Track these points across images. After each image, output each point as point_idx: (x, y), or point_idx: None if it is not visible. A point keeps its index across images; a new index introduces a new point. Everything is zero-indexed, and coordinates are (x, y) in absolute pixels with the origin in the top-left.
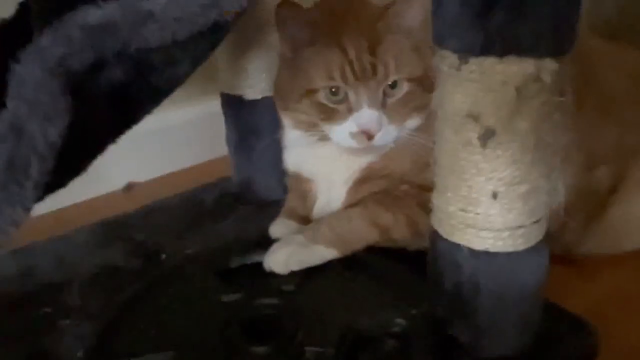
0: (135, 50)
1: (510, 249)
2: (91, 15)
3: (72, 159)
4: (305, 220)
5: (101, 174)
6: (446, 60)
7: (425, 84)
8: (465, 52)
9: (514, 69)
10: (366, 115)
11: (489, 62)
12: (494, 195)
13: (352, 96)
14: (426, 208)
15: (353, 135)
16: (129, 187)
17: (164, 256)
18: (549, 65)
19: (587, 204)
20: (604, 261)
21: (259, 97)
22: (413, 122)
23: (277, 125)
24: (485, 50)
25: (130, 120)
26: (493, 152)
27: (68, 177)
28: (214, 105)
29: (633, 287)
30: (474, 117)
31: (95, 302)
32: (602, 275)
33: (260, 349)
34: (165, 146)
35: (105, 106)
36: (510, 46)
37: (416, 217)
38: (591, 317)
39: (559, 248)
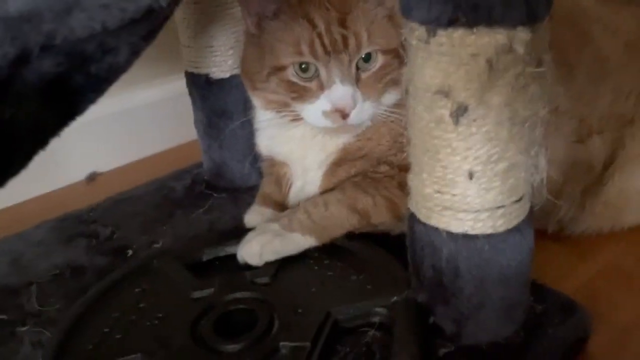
0: (63, 41)
1: (490, 231)
2: (11, 4)
3: (3, 159)
4: (281, 206)
5: (61, 164)
6: (414, 33)
7: (401, 55)
8: (433, 24)
9: (485, 40)
10: (339, 92)
11: (459, 34)
12: (470, 175)
13: (323, 72)
14: (407, 190)
15: (326, 114)
16: (92, 178)
17: (130, 252)
18: (522, 35)
19: (582, 179)
20: (600, 238)
21: (226, 75)
22: (390, 97)
23: (248, 106)
24: (454, 20)
25: (73, 112)
26: (467, 129)
27: (3, 177)
28: (181, 86)
29: (627, 264)
30: (445, 93)
31: (55, 306)
32: (596, 253)
33: (233, 347)
34: (130, 132)
35: (39, 100)
36: (480, 16)
37: (396, 199)
38: (583, 296)
39: (553, 226)
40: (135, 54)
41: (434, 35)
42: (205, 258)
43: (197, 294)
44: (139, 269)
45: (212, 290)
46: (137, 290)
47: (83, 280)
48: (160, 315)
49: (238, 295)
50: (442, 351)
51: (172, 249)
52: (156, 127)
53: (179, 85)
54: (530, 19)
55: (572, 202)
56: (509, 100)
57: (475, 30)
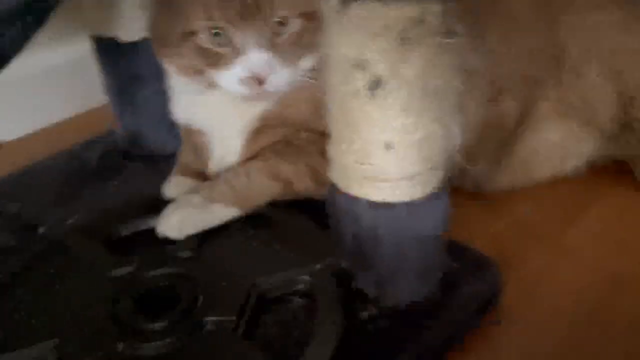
0: None
1: (407, 198)
2: None
3: None
4: (201, 176)
5: None
6: (328, 3)
7: (318, 18)
8: None
9: (397, 12)
10: (255, 58)
11: (371, 6)
12: (387, 146)
13: (237, 37)
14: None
15: (242, 80)
16: None
17: (42, 229)
18: (434, 7)
19: (495, 138)
20: (512, 194)
21: (136, 38)
22: (308, 62)
23: (161, 70)
24: None
25: None
26: (383, 101)
27: None
28: (88, 47)
29: (535, 218)
30: (360, 66)
31: None
32: (508, 209)
33: (156, 325)
34: (35, 98)
35: None
36: None
37: (319, 166)
38: (495, 251)
39: (469, 184)
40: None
41: (348, 6)
42: (123, 233)
43: (115, 272)
44: (51, 248)
45: (131, 267)
46: (50, 270)
47: None
48: (77, 296)
49: (159, 271)
50: (365, 314)
51: (86, 224)
52: (62, 92)
53: (85, 46)
54: None
55: (487, 160)
56: (422, 71)
57: (387, 2)
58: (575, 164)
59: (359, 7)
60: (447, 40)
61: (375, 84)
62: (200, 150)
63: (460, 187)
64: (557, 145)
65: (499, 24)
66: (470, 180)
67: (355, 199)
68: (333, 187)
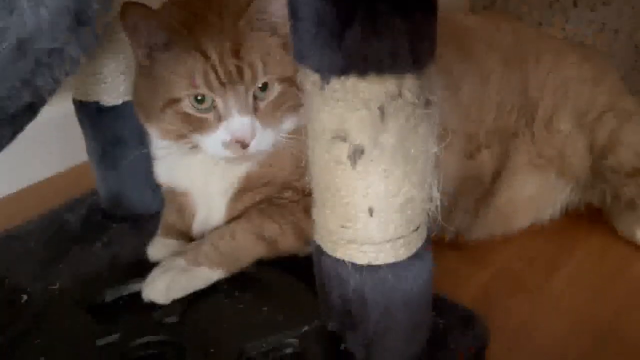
0: None
1: (392, 260)
2: None
3: None
4: (185, 236)
5: None
6: (309, 78)
7: (298, 83)
8: (326, 72)
9: (376, 87)
10: (237, 123)
11: (351, 82)
12: (370, 211)
13: (220, 103)
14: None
15: (226, 144)
16: None
17: (25, 297)
18: (410, 81)
19: (474, 191)
20: (493, 243)
21: (119, 102)
22: (289, 123)
23: (144, 132)
24: (345, 70)
25: None
26: (364, 169)
27: None
28: (69, 106)
29: (517, 266)
30: (342, 137)
31: None
32: (490, 257)
33: None
34: (15, 156)
35: None
36: (370, 65)
37: (303, 224)
38: (480, 302)
39: (450, 234)
40: (15, 134)
41: (328, 82)
42: (108, 299)
43: (101, 342)
44: (36, 319)
45: (117, 335)
46: (36, 342)
47: None
48: None
49: (146, 339)
50: None
51: (71, 291)
52: (43, 150)
53: (66, 106)
54: (417, 66)
55: (466, 212)
56: (401, 140)
57: (366, 78)
58: (552, 212)
59: (339, 82)
60: (424, 111)
61: (357, 154)
62: (184, 211)
63: (440, 238)
64: (533, 195)
65: (472, 81)
66: (451, 231)
67: (340, 262)
68: (318, 250)
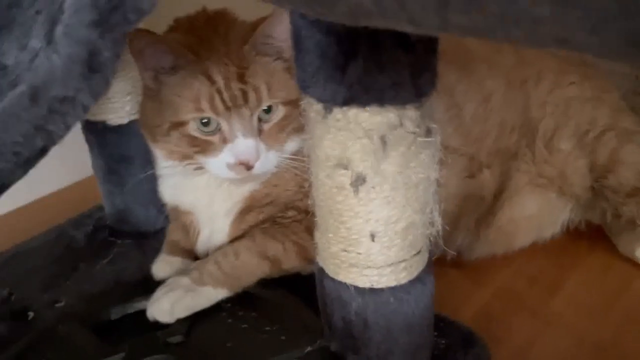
0: None
1: (394, 284)
2: None
3: None
4: (190, 254)
5: None
6: (312, 107)
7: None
8: (329, 102)
9: (377, 118)
10: (242, 146)
11: (353, 112)
12: (372, 236)
13: (225, 126)
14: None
15: (230, 166)
16: None
17: (31, 314)
18: (411, 112)
19: (475, 210)
20: (494, 261)
21: (125, 121)
22: (292, 144)
23: (149, 151)
24: (348, 101)
25: None
26: (366, 195)
27: None
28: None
29: (518, 285)
30: (344, 165)
31: None
32: (491, 276)
33: None
34: None
35: None
36: (372, 97)
37: (306, 243)
38: (481, 321)
39: (451, 253)
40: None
41: (330, 112)
42: (113, 317)
43: None
44: (43, 337)
45: (122, 355)
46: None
47: None
48: None
49: (150, 359)
50: None
51: (76, 309)
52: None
53: None
54: (418, 97)
55: (468, 231)
56: (402, 168)
57: (368, 109)
58: (553, 230)
59: (341, 112)
60: (425, 139)
61: (359, 181)
62: (188, 230)
63: (442, 257)
64: (534, 214)
65: (473, 101)
66: (452, 249)
67: (343, 285)
68: (321, 272)
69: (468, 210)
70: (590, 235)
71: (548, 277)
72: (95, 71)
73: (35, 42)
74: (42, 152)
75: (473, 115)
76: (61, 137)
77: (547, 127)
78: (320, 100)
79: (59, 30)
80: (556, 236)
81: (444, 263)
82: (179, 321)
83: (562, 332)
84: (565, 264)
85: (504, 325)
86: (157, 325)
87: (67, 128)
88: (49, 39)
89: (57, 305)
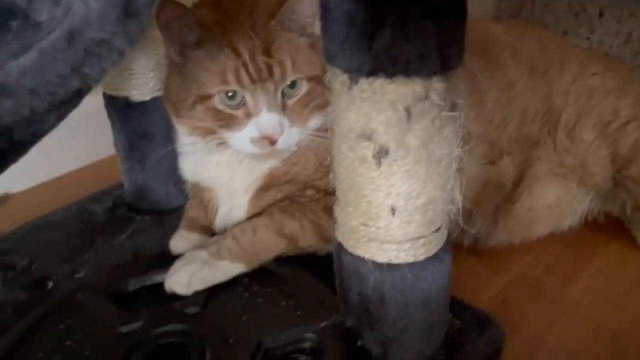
0: None
1: (412, 260)
2: None
3: None
4: (208, 230)
5: None
6: (338, 78)
7: (325, 82)
8: (355, 73)
9: (403, 89)
10: (266, 120)
11: (379, 83)
12: (393, 210)
13: (249, 100)
14: (332, 212)
15: (254, 141)
16: (4, 200)
17: (51, 284)
18: (437, 84)
19: (494, 197)
20: (511, 249)
21: (147, 98)
22: (315, 121)
23: (170, 128)
24: (374, 71)
25: None
26: (388, 168)
27: None
28: (97, 100)
29: (535, 274)
30: (367, 136)
31: None
32: (508, 264)
33: None
34: (44, 148)
35: None
36: (398, 67)
37: (323, 222)
38: (497, 307)
39: (469, 240)
40: (60, 120)
41: (356, 82)
42: (131, 288)
43: (124, 329)
44: (61, 305)
45: (140, 323)
46: (61, 327)
47: (2, 317)
48: (87, 353)
49: (168, 328)
50: None
51: (95, 279)
52: (72, 143)
53: (94, 99)
54: (444, 70)
55: (486, 218)
56: (426, 142)
57: (394, 80)
58: (572, 221)
59: (367, 83)
60: (449, 114)
61: (382, 153)
62: (207, 206)
63: (460, 243)
64: (554, 204)
65: (497, 88)
66: (469, 236)
67: (361, 260)
68: (339, 247)
69: (487, 197)
70: (609, 227)
71: (565, 266)
72: (130, 16)
73: None
74: (77, 94)
75: (495, 101)
76: (97, 80)
77: (569, 116)
78: (346, 70)
79: None
80: (574, 227)
81: (461, 249)
82: (196, 293)
83: (578, 320)
84: (583, 255)
85: (520, 312)
86: (175, 298)
87: (103, 72)
88: None
89: (77, 276)
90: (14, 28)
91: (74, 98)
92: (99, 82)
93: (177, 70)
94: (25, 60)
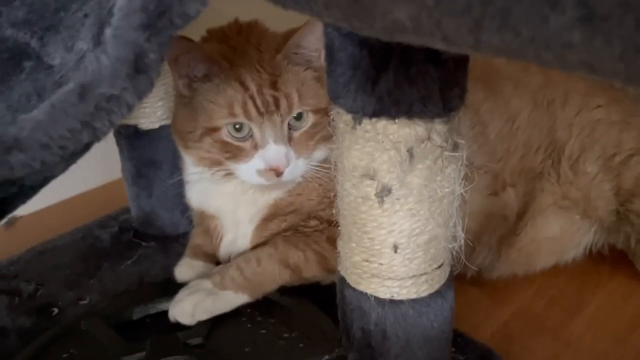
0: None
1: (414, 296)
2: None
3: None
4: (212, 258)
5: None
6: (342, 117)
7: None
8: (359, 113)
9: (406, 130)
10: (273, 152)
11: (382, 124)
12: (395, 248)
13: (256, 132)
14: (336, 243)
15: (261, 172)
16: (10, 223)
17: (56, 310)
18: (439, 126)
19: (497, 229)
20: (514, 281)
21: (156, 126)
22: (320, 153)
23: (177, 156)
24: (377, 112)
25: (2, 213)
26: (391, 207)
27: None
28: None
29: (537, 307)
30: (370, 176)
31: None
32: (511, 296)
33: None
34: None
35: None
36: (401, 109)
37: (327, 253)
38: (499, 340)
39: (472, 271)
40: (70, 166)
41: (360, 123)
42: (135, 317)
43: (127, 359)
44: (66, 332)
45: (143, 354)
46: (64, 355)
47: (6, 344)
48: None
49: (170, 359)
50: None
51: (100, 307)
52: (78, 166)
53: None
54: (446, 111)
55: (489, 250)
56: (428, 181)
57: (397, 121)
58: (576, 253)
59: (370, 123)
60: (451, 154)
61: (384, 192)
62: (212, 234)
63: (462, 275)
64: (557, 236)
65: (499, 120)
66: (472, 268)
67: (363, 295)
68: (342, 281)
69: (490, 229)
70: (613, 260)
71: (569, 299)
72: (140, 72)
73: (83, 44)
74: (87, 147)
75: (498, 133)
76: (105, 133)
77: (573, 148)
78: (350, 111)
79: (108, 32)
80: (578, 259)
81: (464, 281)
82: (200, 323)
83: (581, 354)
84: (587, 287)
85: (523, 346)
86: (178, 327)
87: (111, 125)
88: (97, 41)
89: (82, 302)
90: (27, 69)
91: (83, 150)
92: (106, 135)
93: (185, 103)
94: (38, 114)
